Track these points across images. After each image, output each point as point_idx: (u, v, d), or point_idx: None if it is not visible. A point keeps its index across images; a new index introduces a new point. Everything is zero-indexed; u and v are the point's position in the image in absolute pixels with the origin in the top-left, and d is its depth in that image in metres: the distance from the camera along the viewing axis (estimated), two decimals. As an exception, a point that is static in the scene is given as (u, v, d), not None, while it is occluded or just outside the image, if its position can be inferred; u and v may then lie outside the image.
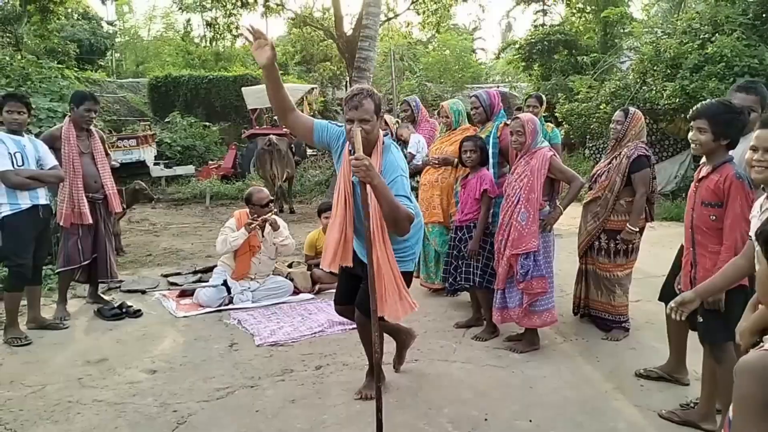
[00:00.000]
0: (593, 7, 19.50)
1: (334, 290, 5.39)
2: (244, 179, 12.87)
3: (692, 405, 3.26)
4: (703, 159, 3.11)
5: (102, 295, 5.26)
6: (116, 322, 4.77)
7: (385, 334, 3.58)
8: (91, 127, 4.96)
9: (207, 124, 17.85)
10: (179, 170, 14.45)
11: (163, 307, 5.15)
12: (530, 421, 3.17)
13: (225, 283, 5.16)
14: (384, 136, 3.17)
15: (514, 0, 22.68)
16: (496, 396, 3.48)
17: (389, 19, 18.90)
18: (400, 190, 2.95)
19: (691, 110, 2.98)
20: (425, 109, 6.30)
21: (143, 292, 5.59)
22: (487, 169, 4.44)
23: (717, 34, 9.88)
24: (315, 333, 4.46)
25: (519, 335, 4.28)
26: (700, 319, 2.91)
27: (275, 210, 5.50)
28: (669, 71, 10.39)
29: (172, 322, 4.83)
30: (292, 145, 11.07)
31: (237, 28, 19.95)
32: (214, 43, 22.87)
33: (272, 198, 5.50)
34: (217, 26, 18.93)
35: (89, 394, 3.51)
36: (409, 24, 20.52)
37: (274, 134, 11.03)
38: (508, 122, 4.49)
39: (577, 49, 18.80)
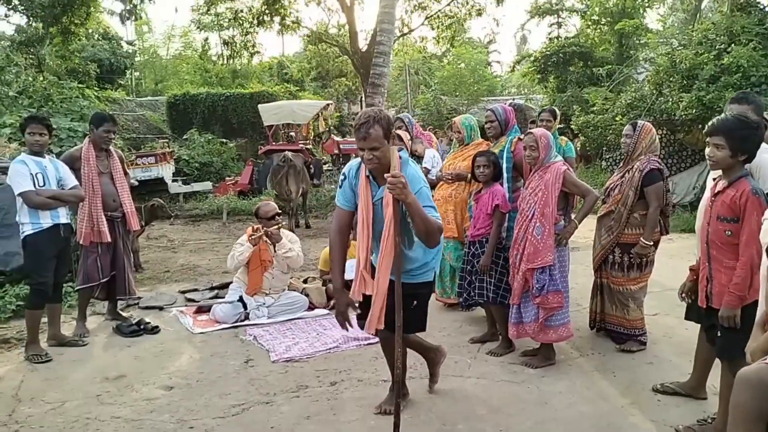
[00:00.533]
0: (608, 19, 19.50)
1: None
2: (260, 195, 12.97)
3: (710, 420, 3.22)
4: (717, 172, 3.10)
5: (120, 312, 5.33)
6: (134, 338, 4.83)
7: (412, 351, 3.61)
8: (110, 147, 5.06)
9: (224, 140, 18.07)
10: (197, 187, 14.61)
11: (181, 324, 5.21)
12: (545, 437, 3.16)
13: (241, 299, 5.20)
14: (399, 151, 3.22)
15: (528, 13, 22.73)
16: (510, 412, 3.46)
17: (404, 35, 19.02)
18: (426, 200, 3.02)
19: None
20: (418, 124, 6.45)
21: (161, 308, 5.65)
22: (500, 184, 4.46)
23: (733, 45, 9.81)
24: (330, 349, 4.48)
25: (534, 350, 4.26)
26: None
27: (282, 223, 5.53)
28: (685, 82, 10.33)
29: (189, 338, 4.88)
30: (311, 165, 11.19)
31: (254, 46, 20.27)
32: (231, 61, 23.23)
33: (279, 211, 5.52)
34: (234, 45, 19.22)
35: (107, 410, 3.56)
36: (424, 39, 20.62)
37: (289, 150, 11.14)
38: (522, 137, 4.51)
39: (593, 61, 18.77)
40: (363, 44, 18.14)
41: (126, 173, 5.26)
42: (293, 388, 3.82)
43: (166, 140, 16.85)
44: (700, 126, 10.50)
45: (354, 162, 3.30)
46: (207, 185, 14.73)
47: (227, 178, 15.22)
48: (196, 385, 3.93)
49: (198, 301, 5.74)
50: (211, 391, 3.80)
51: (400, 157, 3.18)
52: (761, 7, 10.61)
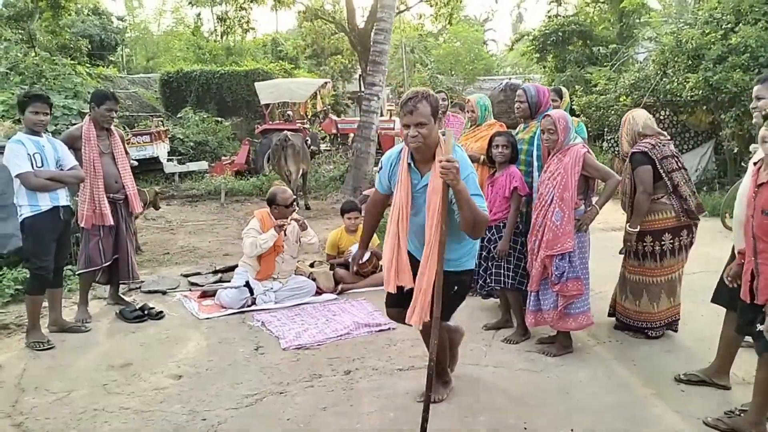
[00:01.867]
0: (608, -3, 19.21)
1: (357, 290, 5.41)
2: (258, 175, 12.78)
3: (737, 412, 3.14)
4: (759, 154, 2.94)
5: (123, 297, 5.19)
6: (138, 324, 4.70)
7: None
8: (111, 127, 4.87)
9: (219, 119, 17.78)
10: (192, 166, 14.35)
11: (185, 309, 5.08)
12: (572, 430, 3.06)
13: (247, 284, 5.07)
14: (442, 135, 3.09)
15: (527, -10, 22.37)
16: (532, 402, 3.37)
17: (401, 12, 18.70)
18: (473, 188, 2.88)
19: (763, 112, 2.82)
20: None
21: (164, 292, 5.51)
22: (516, 167, 4.32)
23: (740, 24, 9.64)
24: (341, 335, 4.37)
25: (551, 338, 4.17)
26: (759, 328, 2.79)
27: (297, 209, 5.41)
28: (690, 62, 10.17)
29: (194, 324, 4.75)
30: (308, 139, 11.00)
31: (248, 22, 19.89)
32: (224, 38, 22.84)
33: (295, 197, 5.41)
34: (228, 20, 18.87)
35: (115, 401, 3.44)
36: (422, 16, 20.30)
37: (288, 130, 10.95)
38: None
39: (592, 40, 18.52)
40: (360, 21, 17.84)
41: (127, 153, 5.08)
42: (306, 377, 3.71)
43: (161, 119, 16.51)
44: (704, 107, 10.40)
45: (394, 150, 3.18)
46: (203, 165, 14.47)
47: (223, 158, 14.98)
48: (206, 373, 3.81)
49: (202, 285, 5.60)
50: (221, 380, 3.69)
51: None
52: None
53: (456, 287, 3.14)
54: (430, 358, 2.87)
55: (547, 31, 19.13)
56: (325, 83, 14.48)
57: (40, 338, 4.24)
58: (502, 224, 4.26)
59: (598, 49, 17.77)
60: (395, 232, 3.03)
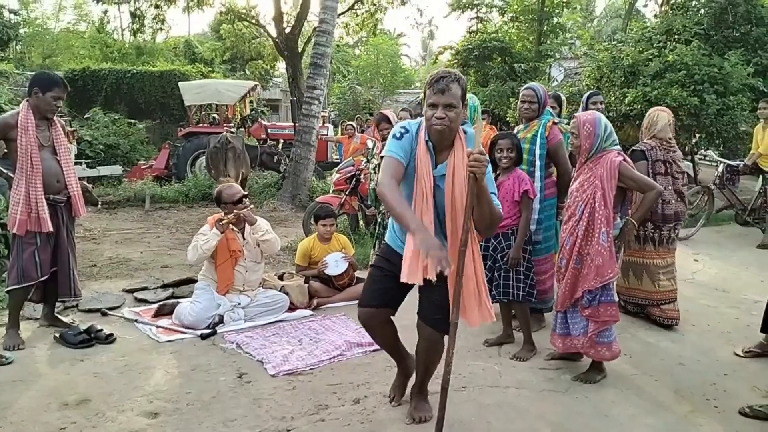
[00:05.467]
0: (528, 16, 19.79)
1: (334, 305, 4.90)
2: (181, 181, 11.84)
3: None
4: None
5: (60, 317, 4.38)
6: (85, 349, 3.93)
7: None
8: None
9: (131, 121, 16.51)
10: (104, 170, 13.12)
11: (138, 330, 4.35)
12: (634, 459, 2.75)
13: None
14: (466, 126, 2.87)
15: (449, 6, 22.59)
16: (574, 428, 3.03)
17: (342, 13, 18.28)
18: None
19: None
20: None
21: (104, 313, 4.70)
22: (521, 169, 4.03)
23: (676, 43, 10.04)
24: (333, 357, 3.85)
25: (562, 354, 3.86)
26: None
27: (250, 206, 4.78)
28: (625, 78, 10.45)
29: (155, 348, 4.04)
30: (277, 155, 10.39)
31: (163, 21, 18.77)
32: (135, 36, 21.43)
33: (245, 193, 4.79)
34: (142, 18, 17.70)
35: (81, 449, 2.76)
36: (347, 25, 19.96)
37: (215, 133, 10.19)
38: (557, 120, 4.15)
39: (512, 57, 18.97)
40: (286, 26, 17.28)
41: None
42: (311, 408, 3.17)
43: (69, 119, 15.06)
44: (637, 122, 10.73)
45: (412, 124, 2.80)
46: (116, 169, 13.24)
47: (140, 162, 13.84)
48: (188, 409, 3.17)
49: (152, 302, 4.86)
50: (210, 417, 3.07)
51: (465, 132, 2.79)
52: (696, 8, 10.97)
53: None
54: (446, 371, 2.60)
55: (469, 47, 19.41)
56: (255, 86, 13.75)
57: (-36, 371, 3.43)
58: (509, 231, 3.93)
59: (520, 66, 18.25)
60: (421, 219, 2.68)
